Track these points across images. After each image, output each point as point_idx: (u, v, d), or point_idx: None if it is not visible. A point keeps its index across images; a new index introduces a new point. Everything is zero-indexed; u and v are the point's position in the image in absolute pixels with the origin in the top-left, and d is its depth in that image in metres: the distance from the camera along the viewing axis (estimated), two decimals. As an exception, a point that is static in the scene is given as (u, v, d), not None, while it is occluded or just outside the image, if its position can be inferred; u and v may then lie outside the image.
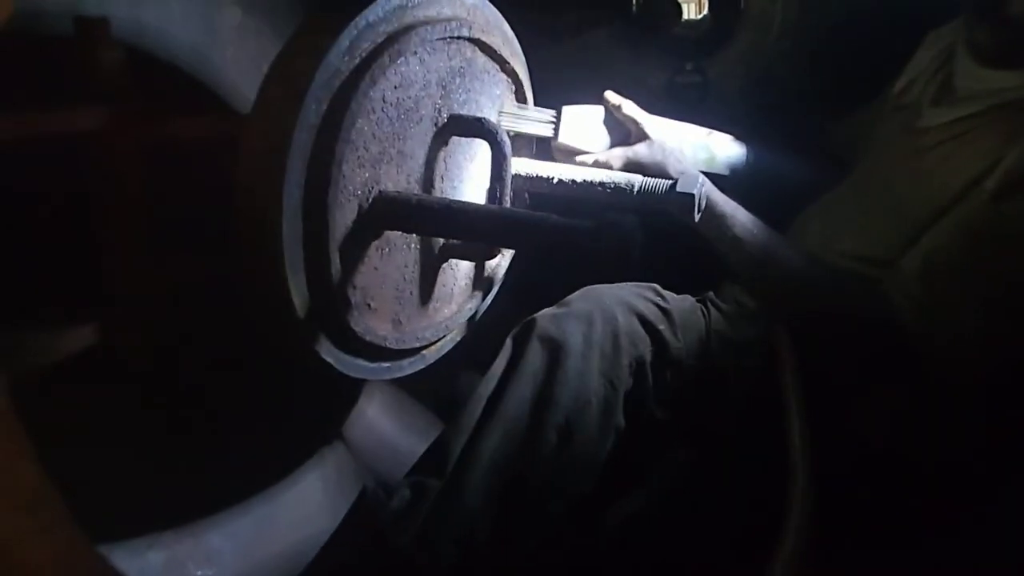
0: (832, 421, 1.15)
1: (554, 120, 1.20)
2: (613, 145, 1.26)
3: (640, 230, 0.87)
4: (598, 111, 1.24)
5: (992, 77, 1.17)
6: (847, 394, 1.18)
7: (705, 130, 1.35)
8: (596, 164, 1.22)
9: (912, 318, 1.08)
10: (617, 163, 1.22)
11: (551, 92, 1.24)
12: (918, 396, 1.14)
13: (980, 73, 1.19)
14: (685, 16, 1.91)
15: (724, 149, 1.35)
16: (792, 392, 1.12)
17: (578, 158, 1.23)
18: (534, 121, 1.20)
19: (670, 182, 1.10)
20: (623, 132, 1.27)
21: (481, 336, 1.25)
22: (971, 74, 1.21)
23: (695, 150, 1.32)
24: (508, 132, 1.18)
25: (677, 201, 1.08)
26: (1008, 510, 1.11)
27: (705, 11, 1.91)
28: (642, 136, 1.25)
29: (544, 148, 1.26)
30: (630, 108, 1.26)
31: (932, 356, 1.09)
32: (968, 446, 1.13)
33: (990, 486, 1.13)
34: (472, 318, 1.22)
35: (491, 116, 1.12)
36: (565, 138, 1.20)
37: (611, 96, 1.27)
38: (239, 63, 1.26)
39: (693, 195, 1.07)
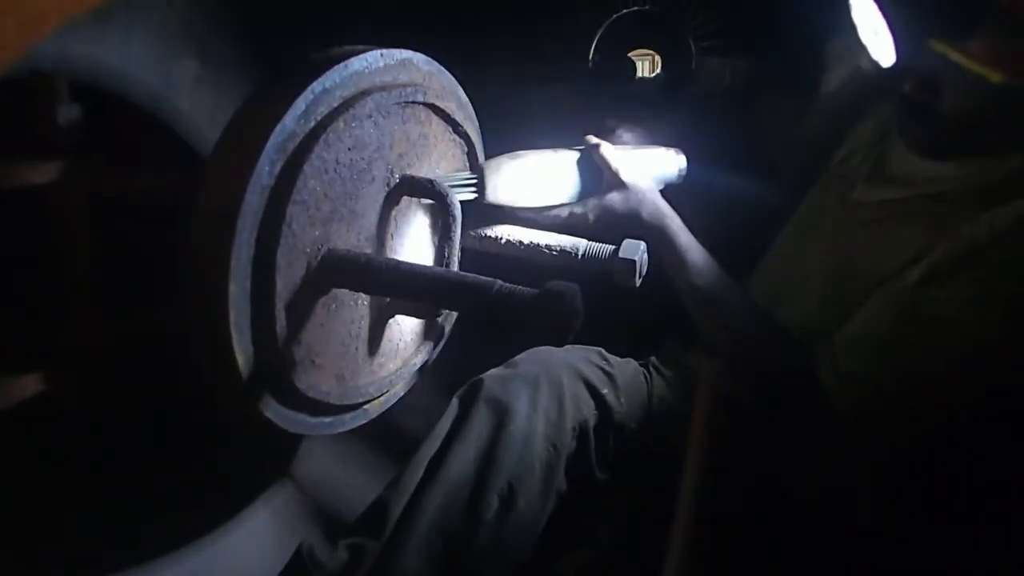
0: (750, 467, 1.17)
1: (474, 181, 1.13)
2: (555, 189, 1.19)
3: (581, 300, 0.89)
4: (525, 157, 1.16)
5: (923, 166, 1.18)
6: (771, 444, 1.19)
7: (661, 150, 1.35)
8: (571, 215, 1.18)
9: (834, 390, 1.09)
10: (592, 213, 1.18)
11: (514, 140, 1.20)
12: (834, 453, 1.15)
13: (912, 160, 1.20)
14: (639, 74, 2.00)
15: (676, 163, 1.36)
16: (697, 435, 1.14)
17: (552, 212, 1.18)
18: (457, 188, 1.10)
19: (613, 247, 1.12)
20: (566, 173, 1.20)
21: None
22: (903, 159, 1.22)
23: (662, 176, 1.32)
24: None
25: (619, 267, 1.11)
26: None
27: (659, 70, 1.99)
28: (616, 182, 1.19)
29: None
30: (607, 151, 1.20)
31: (849, 426, 1.09)
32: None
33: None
34: (417, 373, 1.23)
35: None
36: (493, 196, 1.13)
37: (591, 138, 1.22)
38: (196, 114, 1.27)
39: (635, 261, 1.10)
